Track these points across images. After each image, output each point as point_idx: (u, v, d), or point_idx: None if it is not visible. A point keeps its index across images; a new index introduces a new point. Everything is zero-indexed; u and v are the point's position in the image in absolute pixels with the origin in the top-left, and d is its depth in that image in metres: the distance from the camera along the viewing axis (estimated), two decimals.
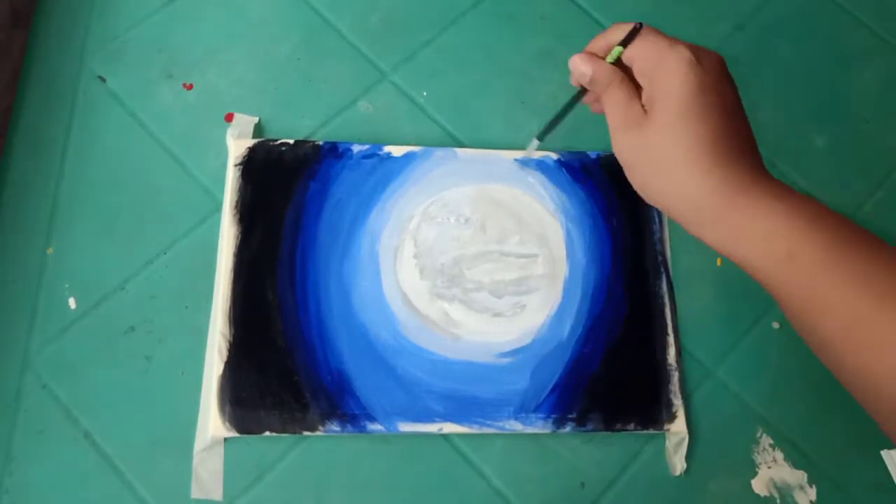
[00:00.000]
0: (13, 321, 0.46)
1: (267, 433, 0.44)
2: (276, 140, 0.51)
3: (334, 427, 0.44)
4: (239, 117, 0.52)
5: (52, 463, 0.43)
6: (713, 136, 0.32)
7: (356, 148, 0.51)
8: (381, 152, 0.51)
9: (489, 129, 0.54)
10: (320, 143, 0.51)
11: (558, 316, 0.49)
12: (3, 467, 0.43)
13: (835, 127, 0.57)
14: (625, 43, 0.36)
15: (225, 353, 0.45)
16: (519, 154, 0.52)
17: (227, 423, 0.44)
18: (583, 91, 0.39)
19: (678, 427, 0.47)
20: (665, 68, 0.33)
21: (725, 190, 0.32)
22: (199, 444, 0.44)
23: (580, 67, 0.37)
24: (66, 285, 0.47)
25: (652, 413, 0.47)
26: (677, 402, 0.47)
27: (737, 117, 0.34)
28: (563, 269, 0.50)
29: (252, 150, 0.50)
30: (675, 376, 0.48)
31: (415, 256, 0.49)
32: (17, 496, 0.42)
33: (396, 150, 0.52)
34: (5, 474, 0.43)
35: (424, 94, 0.55)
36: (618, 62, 0.37)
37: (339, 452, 0.45)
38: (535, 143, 0.43)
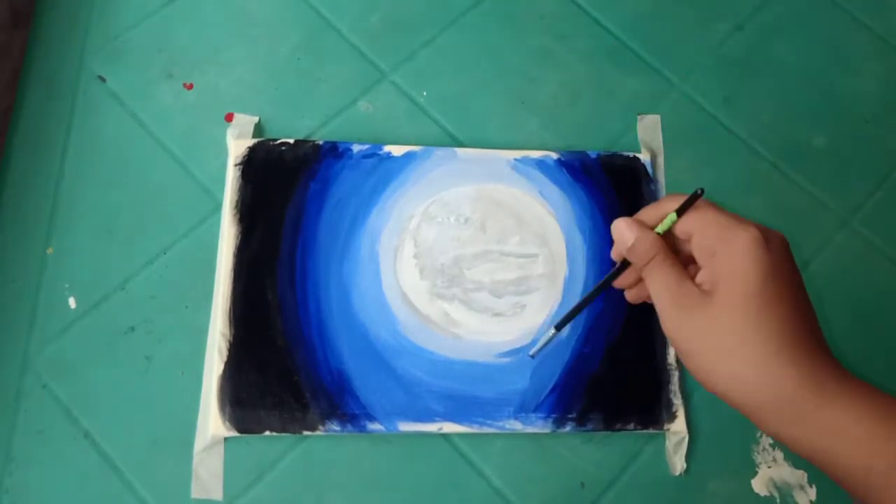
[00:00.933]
0: (13, 321, 0.46)
1: (267, 433, 0.44)
2: (276, 140, 0.51)
3: (334, 427, 0.44)
4: (239, 117, 0.52)
5: (52, 463, 0.43)
6: (792, 323, 0.30)
7: (356, 148, 0.51)
8: (381, 152, 0.51)
9: (489, 129, 0.54)
10: (320, 142, 0.51)
11: (558, 316, 0.48)
12: (3, 467, 0.43)
13: (835, 127, 0.57)
14: (680, 211, 0.33)
15: (225, 353, 0.45)
16: (540, 342, 0.39)
17: (227, 423, 0.44)
18: (621, 268, 0.35)
19: (678, 427, 0.47)
20: (732, 246, 0.31)
21: (811, 386, 0.29)
22: (199, 444, 0.44)
23: (623, 232, 0.34)
24: (66, 285, 0.47)
25: (652, 413, 0.47)
26: (677, 402, 0.47)
27: (808, 304, 0.32)
28: (562, 269, 0.50)
29: (252, 150, 0.50)
30: (675, 376, 0.48)
31: (415, 256, 0.49)
32: (17, 496, 0.42)
33: (396, 150, 0.52)
34: (5, 474, 0.43)
35: (424, 94, 0.55)
36: (668, 234, 0.34)
37: (339, 452, 0.45)
38: (553, 332, 0.38)
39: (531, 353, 0.39)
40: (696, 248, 0.33)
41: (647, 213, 0.35)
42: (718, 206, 0.33)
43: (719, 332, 0.31)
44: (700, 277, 0.32)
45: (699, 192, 0.33)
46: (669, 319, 0.32)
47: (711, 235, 0.32)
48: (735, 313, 0.30)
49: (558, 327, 0.37)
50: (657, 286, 0.33)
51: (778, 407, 0.30)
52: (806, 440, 0.30)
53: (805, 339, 0.30)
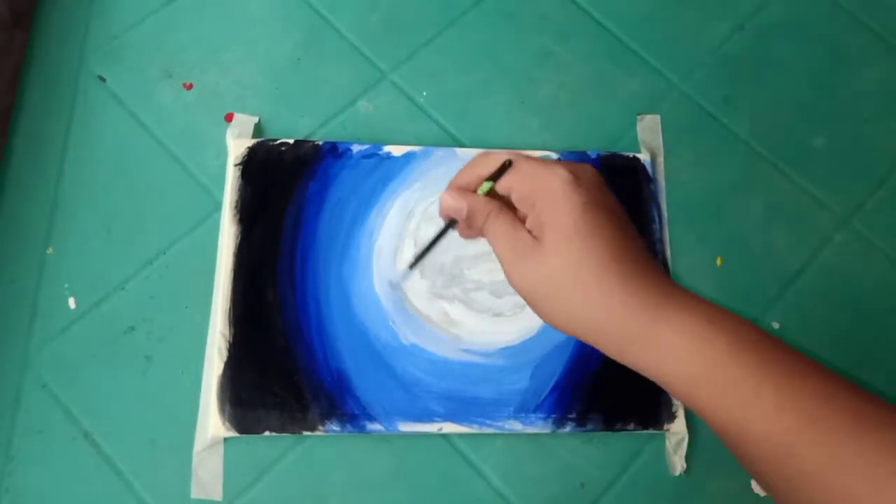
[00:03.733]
0: (13, 321, 0.46)
1: (267, 433, 0.44)
2: (276, 140, 0.51)
3: (334, 427, 0.44)
4: (239, 117, 0.52)
5: (52, 463, 0.43)
6: (614, 251, 0.31)
7: (356, 148, 0.51)
8: (381, 152, 0.51)
9: (489, 129, 0.54)
10: (320, 142, 0.51)
11: None
12: (3, 467, 0.43)
13: (835, 127, 0.57)
14: (494, 177, 0.34)
15: (225, 353, 0.45)
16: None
17: (227, 423, 0.44)
18: (452, 222, 0.36)
19: (678, 427, 0.47)
20: (546, 190, 0.32)
21: (637, 308, 0.31)
22: (198, 444, 0.44)
23: (452, 204, 0.34)
24: (66, 285, 0.47)
25: (652, 413, 0.47)
26: (677, 402, 0.47)
27: (629, 229, 0.33)
28: None
29: (252, 150, 0.50)
30: None
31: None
32: (17, 496, 0.42)
33: (396, 150, 0.52)
34: (5, 474, 0.43)
35: (424, 94, 0.55)
36: (490, 193, 0.35)
37: (339, 452, 0.45)
38: (407, 272, 0.45)
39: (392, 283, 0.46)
40: (518, 202, 0.34)
41: (464, 178, 0.36)
42: (529, 157, 0.34)
43: (551, 273, 0.32)
44: (528, 226, 0.33)
45: (507, 163, 0.34)
46: (509, 269, 0.33)
47: (526, 187, 0.33)
48: (560, 253, 0.31)
49: (411, 267, 0.40)
50: (494, 241, 0.34)
51: (612, 334, 0.31)
52: (642, 361, 0.31)
53: (631, 264, 0.31)
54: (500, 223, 0.34)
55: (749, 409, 0.29)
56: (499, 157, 0.34)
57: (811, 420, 0.28)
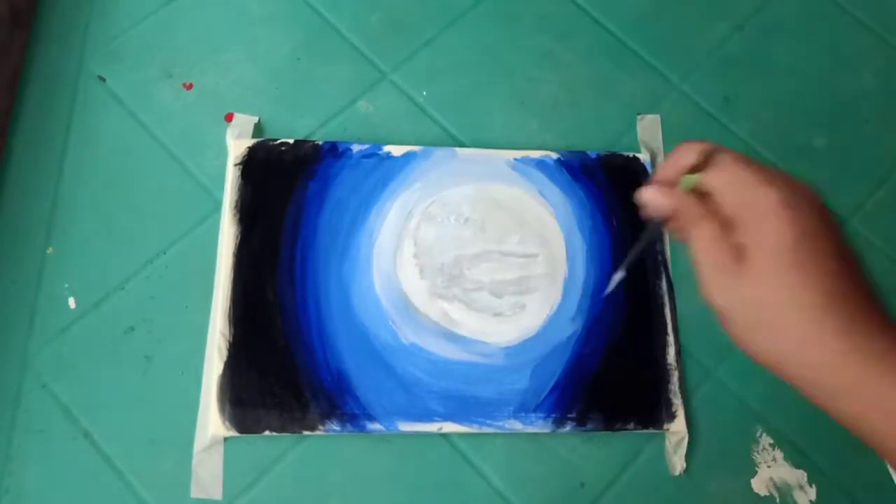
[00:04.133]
0: (13, 321, 0.46)
1: (267, 433, 0.44)
2: (276, 140, 0.51)
3: (334, 427, 0.44)
4: (239, 117, 0.52)
5: (52, 463, 0.43)
6: (832, 290, 0.28)
7: (356, 148, 0.51)
8: (380, 152, 0.51)
9: (489, 129, 0.54)
10: (320, 142, 0.51)
11: (558, 316, 0.49)
12: (3, 467, 0.43)
13: (835, 127, 0.57)
14: (697, 170, 0.32)
15: (225, 353, 0.45)
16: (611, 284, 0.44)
17: (227, 423, 0.44)
18: (664, 223, 0.34)
19: (678, 426, 0.47)
20: (758, 208, 0.29)
21: (858, 357, 0.28)
22: (198, 444, 0.44)
23: (659, 202, 0.32)
24: (66, 285, 0.47)
25: (652, 412, 0.47)
26: (677, 402, 0.47)
27: (849, 261, 0.30)
28: (562, 269, 0.50)
29: (252, 150, 0.50)
30: (675, 376, 0.48)
31: (415, 256, 0.49)
32: (17, 496, 0.42)
33: (396, 150, 0.52)
34: (5, 474, 0.43)
35: (424, 94, 0.55)
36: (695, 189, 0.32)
37: (339, 452, 0.45)
38: (622, 274, 0.41)
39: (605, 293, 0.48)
40: (723, 207, 0.31)
41: (667, 172, 0.33)
42: (739, 156, 0.31)
43: (758, 300, 0.29)
44: (735, 239, 0.30)
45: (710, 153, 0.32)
46: (710, 283, 0.31)
47: (735, 197, 0.30)
48: (770, 281, 0.29)
49: (627, 270, 0.40)
50: (699, 248, 0.31)
51: (822, 382, 0.29)
52: (850, 414, 0.28)
53: (849, 304, 0.28)
54: (706, 231, 0.31)
55: None
56: (701, 147, 0.32)
57: None
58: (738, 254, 0.30)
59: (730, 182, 0.31)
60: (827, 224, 0.30)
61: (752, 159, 0.31)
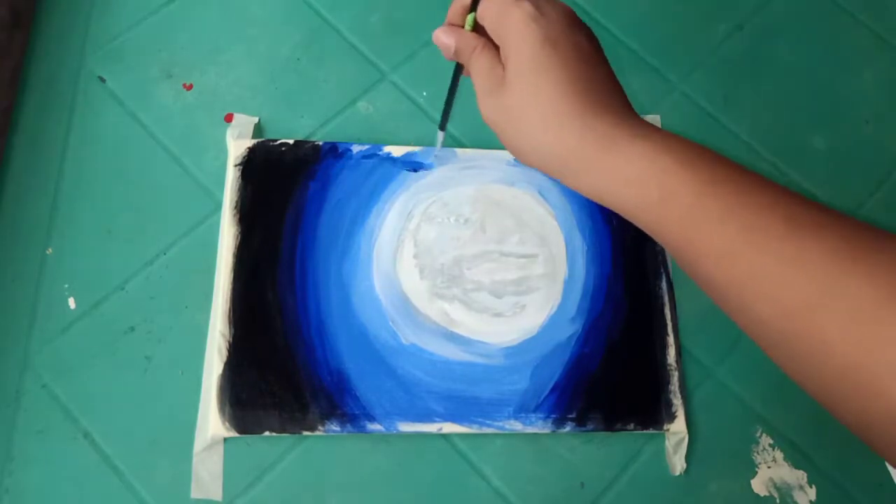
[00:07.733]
0: (13, 321, 0.46)
1: (267, 433, 0.44)
2: (276, 140, 0.51)
3: (334, 427, 0.44)
4: (239, 117, 0.52)
5: (52, 463, 0.43)
6: (567, 85, 0.32)
7: (356, 148, 0.51)
8: (380, 152, 0.51)
9: (489, 129, 0.54)
10: (320, 143, 0.51)
11: (558, 316, 0.49)
12: (3, 467, 0.43)
13: (835, 127, 0.57)
14: (474, 6, 0.35)
15: (225, 353, 0.45)
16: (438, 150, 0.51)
17: (227, 423, 0.44)
18: (459, 65, 0.37)
19: (678, 427, 0.47)
20: (509, 25, 0.33)
21: (591, 136, 0.31)
22: (198, 445, 0.44)
23: (443, 40, 0.36)
24: (66, 285, 0.47)
25: (652, 413, 0.47)
26: (677, 402, 0.47)
27: (594, 64, 0.33)
28: (562, 269, 0.50)
29: (252, 151, 0.50)
30: (675, 376, 0.48)
31: (415, 256, 0.49)
32: (16, 496, 0.42)
33: (396, 151, 0.52)
34: (5, 474, 0.43)
35: (424, 94, 0.55)
36: (479, 28, 0.35)
37: (339, 452, 0.45)
38: (441, 134, 0.44)
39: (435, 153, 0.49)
40: (491, 35, 0.34)
41: (455, 13, 0.36)
42: None
43: (512, 108, 0.33)
44: (502, 60, 0.34)
45: None
46: (480, 104, 0.34)
47: (495, 18, 0.33)
48: (517, 87, 0.32)
49: (442, 128, 0.43)
50: (474, 78, 0.35)
51: (564, 166, 0.32)
52: (592, 190, 0.32)
53: (584, 97, 0.32)
54: (481, 60, 0.34)
55: (697, 224, 0.30)
56: None
57: (752, 229, 0.29)
58: (504, 72, 0.33)
59: (489, 9, 0.34)
60: (577, 33, 0.33)
61: None
